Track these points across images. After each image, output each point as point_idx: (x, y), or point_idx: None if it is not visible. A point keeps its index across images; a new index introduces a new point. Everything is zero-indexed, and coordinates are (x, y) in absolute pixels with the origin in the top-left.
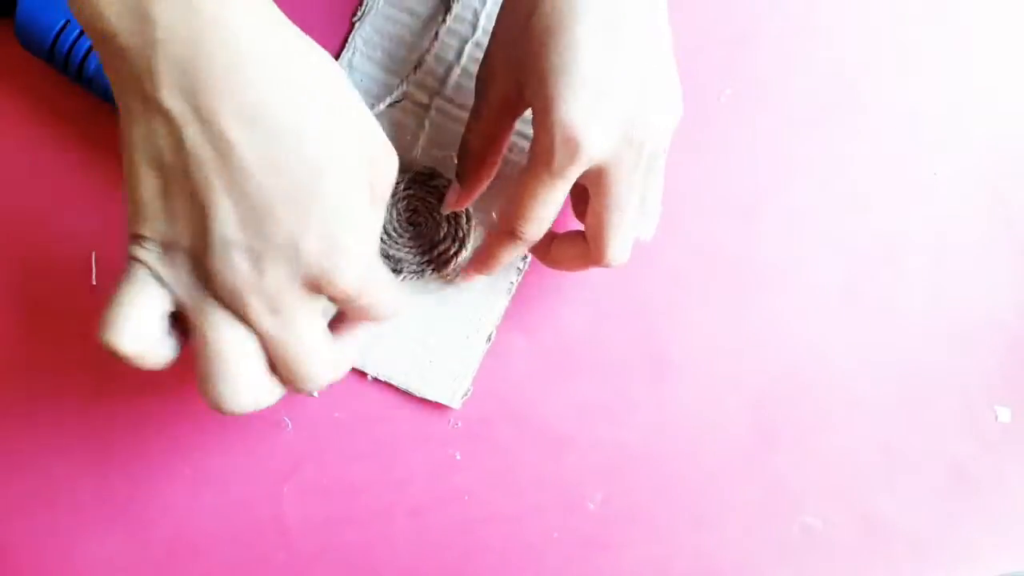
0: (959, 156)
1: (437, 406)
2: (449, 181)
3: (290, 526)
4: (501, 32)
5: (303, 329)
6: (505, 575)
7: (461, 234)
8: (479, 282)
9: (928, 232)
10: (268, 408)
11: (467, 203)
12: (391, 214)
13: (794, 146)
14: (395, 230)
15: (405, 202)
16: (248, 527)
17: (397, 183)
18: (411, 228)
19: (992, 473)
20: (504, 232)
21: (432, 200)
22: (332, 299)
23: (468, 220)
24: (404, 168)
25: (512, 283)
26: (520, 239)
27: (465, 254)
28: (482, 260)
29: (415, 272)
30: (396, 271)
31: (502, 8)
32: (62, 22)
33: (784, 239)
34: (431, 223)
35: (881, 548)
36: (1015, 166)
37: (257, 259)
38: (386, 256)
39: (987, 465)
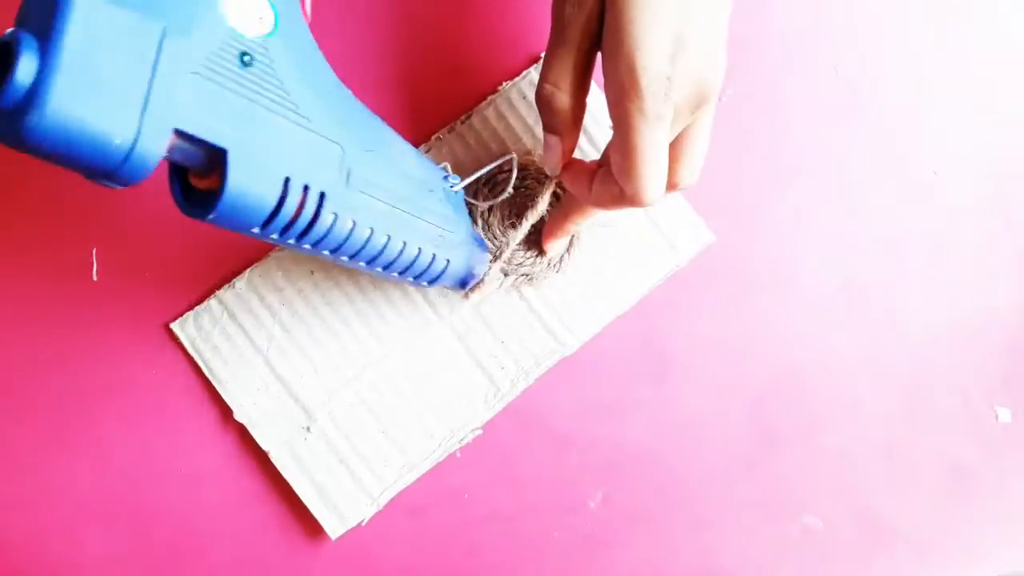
0: (959, 156)
1: None
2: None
3: (290, 525)
4: None
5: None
6: (505, 574)
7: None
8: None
9: (928, 232)
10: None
11: (570, 157)
12: (497, 209)
13: (794, 146)
14: (500, 227)
15: (511, 198)
16: (248, 526)
17: (507, 173)
18: (515, 228)
19: (992, 473)
20: (609, 193)
21: (534, 187)
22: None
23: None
24: (509, 166)
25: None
26: (632, 198)
27: (569, 257)
28: (595, 213)
29: (526, 272)
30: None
31: None
32: (282, 182)
33: (784, 239)
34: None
35: (881, 548)
36: (1015, 165)
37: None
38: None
39: (987, 465)
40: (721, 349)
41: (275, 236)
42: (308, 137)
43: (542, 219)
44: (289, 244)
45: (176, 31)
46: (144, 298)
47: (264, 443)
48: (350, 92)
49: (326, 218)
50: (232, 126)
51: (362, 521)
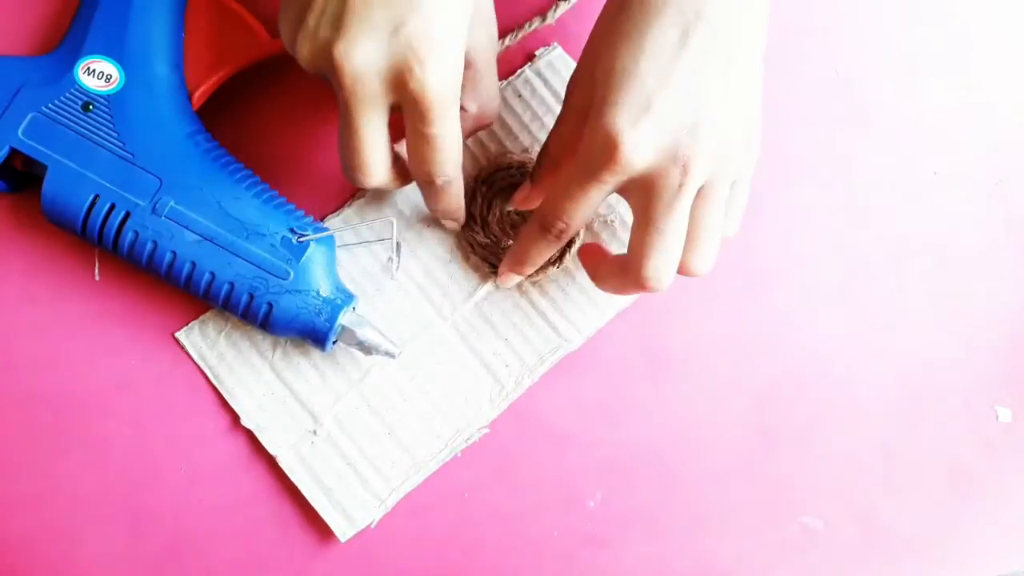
0: (959, 155)
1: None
2: None
3: (290, 524)
4: (593, 38)
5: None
6: (505, 573)
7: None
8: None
9: (928, 231)
10: None
11: (534, 204)
12: (496, 208)
13: (794, 146)
14: (499, 226)
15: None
16: (248, 526)
17: (504, 171)
18: (515, 227)
19: (992, 473)
20: (536, 224)
21: None
22: (404, 107)
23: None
24: (506, 164)
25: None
26: (549, 234)
27: (570, 253)
28: (516, 257)
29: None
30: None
31: (600, 15)
32: (91, 198)
33: (784, 239)
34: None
35: (881, 548)
36: (1016, 165)
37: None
38: (491, 253)
39: (987, 465)
40: (721, 349)
41: (95, 241)
42: (128, 168)
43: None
44: (112, 252)
45: (32, 85)
46: (146, 298)
47: (271, 447)
48: (202, 141)
49: (127, 235)
50: (58, 151)
51: (371, 523)
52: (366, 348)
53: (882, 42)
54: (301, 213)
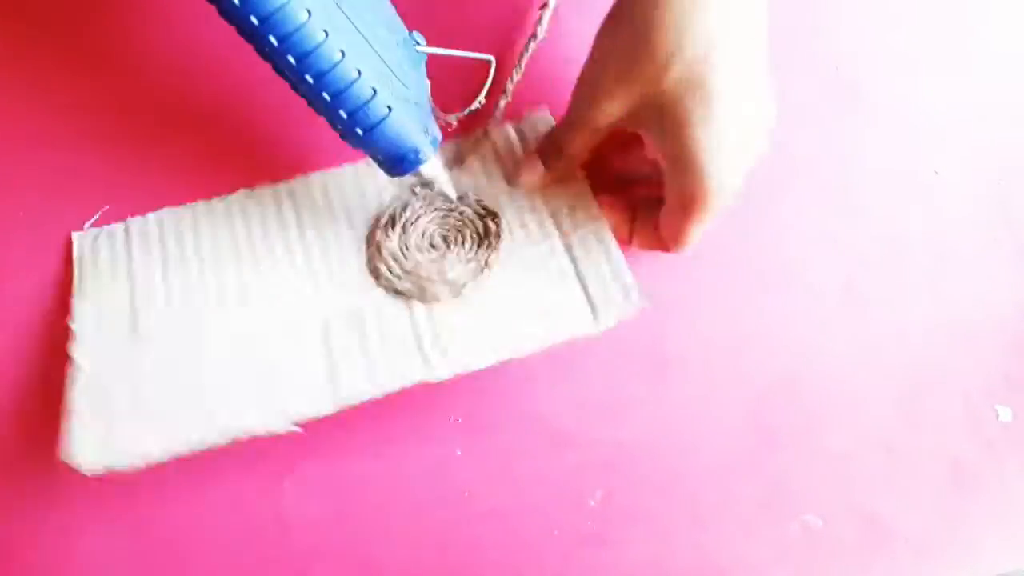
0: (960, 155)
1: (436, 401)
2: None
3: (290, 524)
4: (613, 48)
5: None
6: (505, 572)
7: (484, 256)
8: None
9: (929, 231)
10: None
11: (544, 187)
12: (421, 233)
13: (794, 146)
14: (417, 247)
15: (440, 224)
16: (248, 526)
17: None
18: (434, 248)
19: (992, 473)
20: (658, 243)
21: (474, 226)
22: None
23: (496, 237)
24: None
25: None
26: (665, 249)
27: (483, 279)
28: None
29: (421, 288)
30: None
31: (608, 21)
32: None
33: (784, 239)
34: (458, 242)
35: (881, 548)
36: (1016, 164)
37: None
38: (405, 273)
39: (988, 465)
40: (721, 348)
41: None
42: None
43: (462, 238)
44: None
45: None
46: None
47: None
48: None
49: None
50: None
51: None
52: (430, 183)
53: (882, 41)
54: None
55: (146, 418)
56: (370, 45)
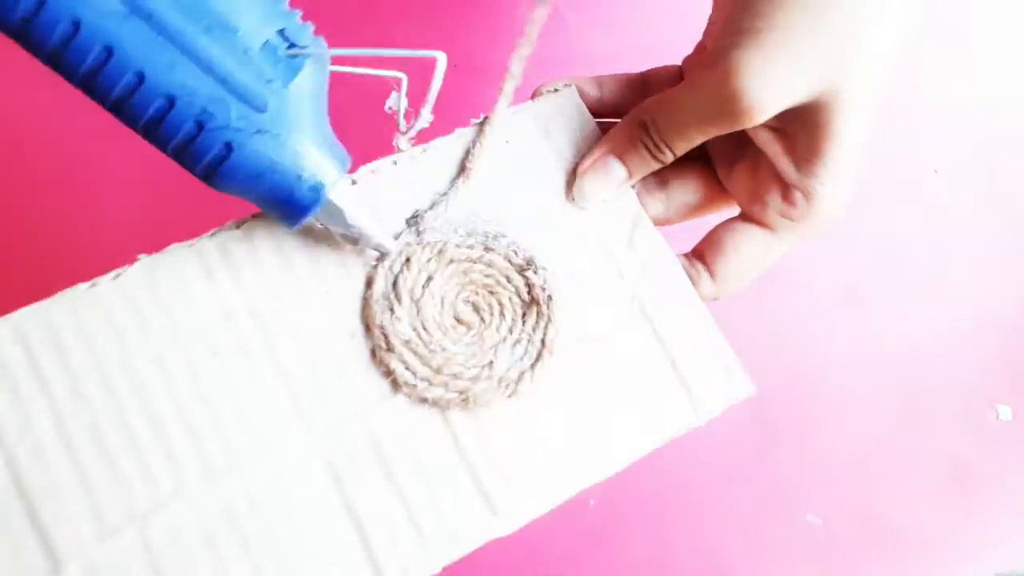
0: (960, 155)
1: None
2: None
3: None
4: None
5: None
6: (505, 571)
7: (540, 334)
8: None
9: (928, 231)
10: None
11: (616, 197)
12: (440, 302)
13: None
14: (437, 321)
15: (462, 285)
16: None
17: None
18: (462, 324)
19: (993, 471)
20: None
21: (512, 284)
22: None
23: (548, 309)
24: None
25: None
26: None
27: (542, 366)
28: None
29: (461, 392)
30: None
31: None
32: None
33: None
34: (493, 311)
35: (881, 548)
36: (1016, 165)
37: None
38: (414, 356)
39: (988, 464)
40: None
41: None
42: None
43: (499, 305)
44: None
45: None
46: None
47: None
48: None
49: None
50: None
51: None
52: (352, 237)
53: None
54: (298, 13)
55: None
56: (194, 61)
